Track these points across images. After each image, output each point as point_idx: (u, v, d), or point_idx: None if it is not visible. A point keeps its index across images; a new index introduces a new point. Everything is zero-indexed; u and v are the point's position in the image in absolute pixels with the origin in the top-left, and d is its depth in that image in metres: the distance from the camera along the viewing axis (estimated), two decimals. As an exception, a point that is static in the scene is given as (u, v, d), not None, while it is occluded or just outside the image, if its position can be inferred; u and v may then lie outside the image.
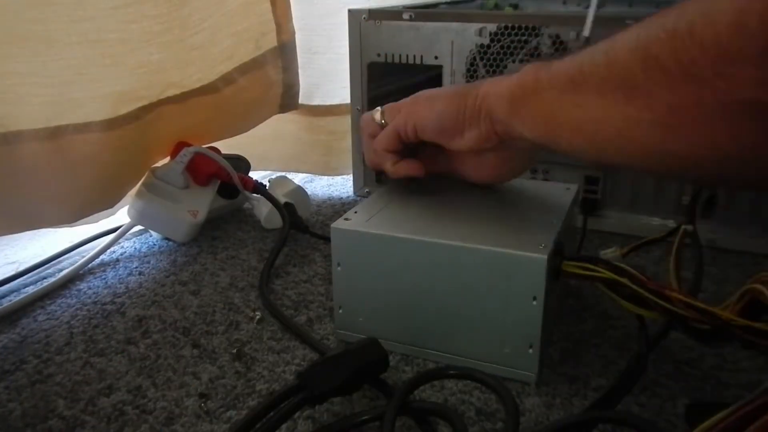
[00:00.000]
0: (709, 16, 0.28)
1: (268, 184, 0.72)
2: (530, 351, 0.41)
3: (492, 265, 0.40)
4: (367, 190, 0.79)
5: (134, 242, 0.69)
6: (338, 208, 0.77)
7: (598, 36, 0.60)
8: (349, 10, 0.72)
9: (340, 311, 0.47)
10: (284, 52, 0.77)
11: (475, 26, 0.66)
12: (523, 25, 0.64)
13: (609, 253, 0.48)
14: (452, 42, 0.67)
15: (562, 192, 0.51)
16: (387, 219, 0.46)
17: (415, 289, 0.43)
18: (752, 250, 0.62)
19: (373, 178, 0.78)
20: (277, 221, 0.68)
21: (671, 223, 0.63)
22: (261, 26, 0.74)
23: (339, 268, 0.45)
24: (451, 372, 0.42)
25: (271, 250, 0.63)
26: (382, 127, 0.49)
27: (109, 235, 0.67)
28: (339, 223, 0.45)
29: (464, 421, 0.37)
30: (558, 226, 0.43)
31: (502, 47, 0.65)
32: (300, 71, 0.80)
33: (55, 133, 0.57)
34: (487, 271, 0.40)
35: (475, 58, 0.67)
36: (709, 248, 0.60)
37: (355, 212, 0.47)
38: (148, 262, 0.64)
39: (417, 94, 0.48)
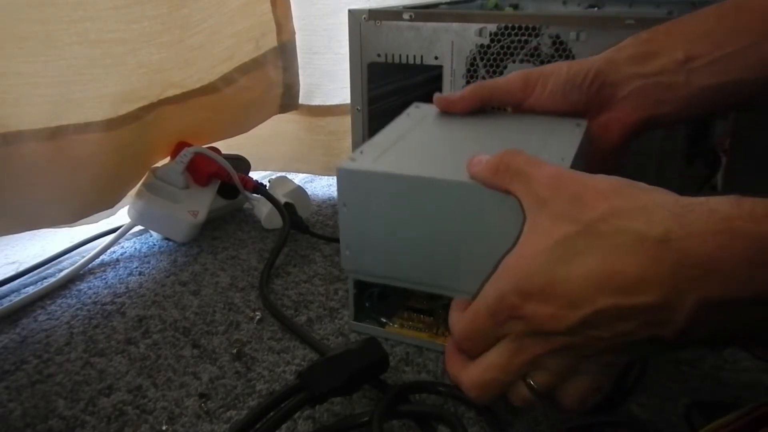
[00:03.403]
0: None
1: (268, 184, 0.72)
2: None
3: (500, 203, 0.37)
4: (367, 190, 0.79)
5: (134, 242, 0.69)
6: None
7: (598, 37, 0.61)
8: (349, 11, 0.72)
9: (347, 253, 0.43)
10: (284, 52, 0.77)
11: (475, 26, 0.66)
12: (523, 25, 0.64)
13: None
14: (452, 42, 0.67)
15: (572, 128, 0.47)
16: (394, 157, 0.43)
17: (424, 229, 0.40)
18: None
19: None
20: (277, 221, 0.68)
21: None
22: (261, 26, 0.74)
23: (345, 209, 0.42)
24: (440, 389, 0.43)
25: (271, 250, 0.63)
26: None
27: (109, 235, 0.67)
28: (344, 164, 0.42)
29: (464, 424, 0.37)
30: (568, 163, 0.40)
31: (502, 47, 0.65)
32: (300, 71, 0.80)
33: (56, 133, 0.57)
34: (496, 209, 0.37)
35: (475, 59, 0.67)
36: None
37: (361, 152, 0.44)
38: (149, 262, 0.64)
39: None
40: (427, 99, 0.61)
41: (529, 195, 0.33)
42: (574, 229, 0.30)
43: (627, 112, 0.43)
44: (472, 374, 0.34)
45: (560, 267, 0.30)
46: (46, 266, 0.63)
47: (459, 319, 0.35)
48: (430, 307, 0.50)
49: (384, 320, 0.50)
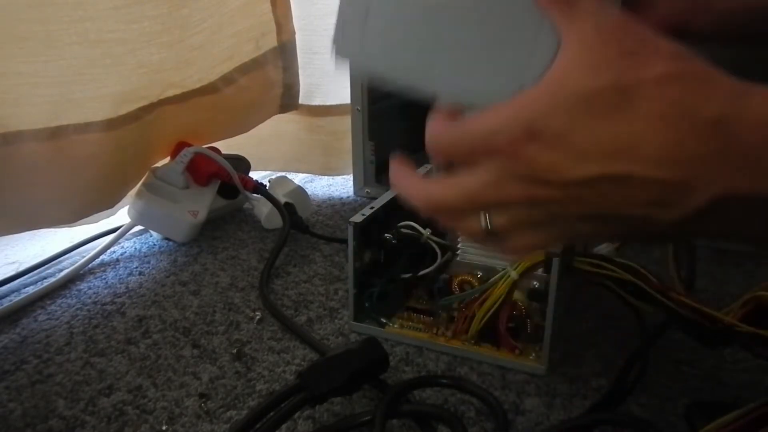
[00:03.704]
0: None
1: (268, 184, 0.72)
2: None
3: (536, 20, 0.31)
4: (367, 190, 0.79)
5: (134, 242, 0.69)
6: (338, 208, 0.77)
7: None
8: (350, 10, 0.72)
9: (343, 33, 0.36)
10: (284, 52, 0.77)
11: (475, 26, 0.65)
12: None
13: (603, 247, 0.48)
14: (452, 42, 0.67)
15: None
16: None
17: (435, 12, 0.34)
18: (752, 251, 0.62)
19: (373, 178, 0.78)
20: (277, 221, 0.68)
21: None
22: (261, 26, 0.74)
23: None
24: (443, 381, 0.43)
25: (271, 250, 0.63)
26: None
27: (109, 235, 0.67)
28: None
29: (464, 424, 0.37)
30: None
31: (502, 47, 0.65)
32: (300, 71, 0.80)
33: (56, 133, 0.57)
34: (527, 25, 0.31)
35: (475, 58, 0.66)
36: (709, 248, 0.60)
37: None
38: (149, 262, 0.64)
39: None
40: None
41: (573, 31, 0.28)
42: (618, 83, 0.26)
43: (661, 16, 0.38)
44: (432, 188, 0.30)
45: (586, 118, 0.26)
46: (46, 266, 0.63)
47: (443, 127, 0.30)
48: (430, 307, 0.50)
49: (384, 320, 0.50)
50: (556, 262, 0.40)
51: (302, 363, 0.46)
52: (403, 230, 0.49)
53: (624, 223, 0.28)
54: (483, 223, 0.29)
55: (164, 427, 0.40)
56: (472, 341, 0.46)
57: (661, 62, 0.26)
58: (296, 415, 0.39)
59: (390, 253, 0.49)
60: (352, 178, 0.80)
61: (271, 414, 0.36)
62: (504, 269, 0.43)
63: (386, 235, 0.48)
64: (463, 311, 0.46)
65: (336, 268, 0.61)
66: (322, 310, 0.54)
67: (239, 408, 0.42)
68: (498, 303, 0.44)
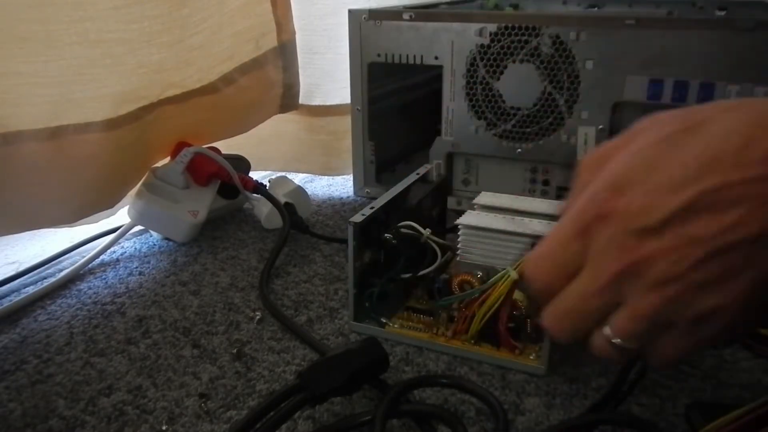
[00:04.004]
0: None
1: (268, 184, 0.72)
2: None
3: None
4: (367, 190, 0.79)
5: (134, 242, 0.69)
6: (338, 208, 0.77)
7: (597, 37, 0.61)
8: (349, 10, 0.72)
9: None
10: (284, 52, 0.77)
11: (475, 26, 0.66)
12: (523, 25, 0.64)
13: None
14: (452, 42, 0.67)
15: None
16: None
17: None
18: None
19: (373, 178, 0.78)
20: (277, 221, 0.68)
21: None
22: (261, 26, 0.74)
23: None
24: (443, 381, 0.43)
25: (271, 250, 0.63)
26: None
27: (109, 235, 0.67)
28: None
29: (464, 424, 0.37)
30: None
31: (502, 47, 0.65)
32: (300, 71, 0.80)
33: (56, 133, 0.57)
34: None
35: (475, 58, 0.67)
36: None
37: None
38: (149, 262, 0.64)
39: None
40: (427, 99, 0.61)
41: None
42: (683, 125, 0.26)
43: None
44: (555, 304, 0.28)
45: (663, 155, 0.25)
46: (46, 266, 0.63)
47: (534, 255, 0.28)
48: (430, 307, 0.50)
49: (383, 320, 0.50)
50: None
51: (302, 363, 0.46)
52: (403, 230, 0.49)
53: (750, 261, 0.24)
54: (605, 337, 0.27)
55: (164, 427, 0.40)
56: (472, 341, 0.46)
57: (713, 106, 0.26)
58: (296, 415, 0.39)
59: (390, 253, 0.49)
60: (352, 178, 0.80)
61: (271, 414, 0.36)
62: (504, 269, 0.43)
63: (386, 235, 0.48)
64: (463, 311, 0.46)
65: (336, 268, 0.61)
66: (322, 310, 0.54)
67: (239, 408, 0.42)
68: (498, 303, 0.44)
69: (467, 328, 0.46)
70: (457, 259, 0.49)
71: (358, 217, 0.47)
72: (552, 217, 0.50)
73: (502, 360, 0.45)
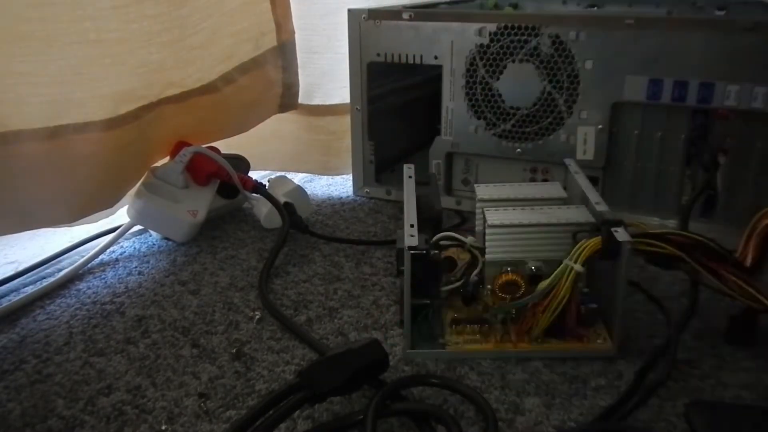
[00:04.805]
0: None
1: (267, 184, 0.72)
2: None
3: None
4: (366, 190, 0.79)
5: (134, 242, 0.69)
6: (338, 207, 0.77)
7: (597, 37, 0.61)
8: (349, 10, 0.72)
9: None
10: (284, 51, 0.77)
11: (474, 26, 0.66)
12: (523, 25, 0.64)
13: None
14: (452, 42, 0.67)
15: None
16: None
17: None
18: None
19: (372, 177, 0.78)
20: (276, 221, 0.68)
21: (671, 223, 0.63)
22: (261, 26, 0.74)
23: None
24: (433, 380, 0.43)
25: (270, 250, 0.63)
26: None
27: (108, 235, 0.67)
28: None
29: (459, 423, 0.37)
30: None
31: (501, 47, 0.65)
32: (300, 71, 0.80)
33: (55, 132, 0.57)
34: None
35: (474, 58, 0.67)
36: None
37: None
38: (148, 262, 0.64)
39: None
40: (427, 99, 0.61)
41: None
42: None
43: None
44: None
45: None
46: (46, 266, 0.63)
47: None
48: (469, 316, 0.48)
49: (442, 341, 0.46)
50: (625, 246, 0.41)
51: (302, 362, 0.46)
52: (443, 242, 0.46)
53: None
54: None
55: (164, 427, 0.40)
56: (539, 340, 0.46)
57: None
58: (295, 414, 0.39)
59: (428, 267, 0.45)
60: (351, 178, 0.80)
61: (271, 412, 0.36)
62: (565, 264, 0.42)
63: (433, 251, 0.45)
64: (531, 310, 0.44)
65: (335, 268, 0.61)
66: (321, 309, 0.54)
67: (238, 408, 0.42)
68: (566, 300, 0.43)
69: (529, 328, 0.45)
70: (486, 259, 0.47)
71: (411, 241, 0.43)
72: (563, 201, 0.50)
73: (573, 351, 0.45)
